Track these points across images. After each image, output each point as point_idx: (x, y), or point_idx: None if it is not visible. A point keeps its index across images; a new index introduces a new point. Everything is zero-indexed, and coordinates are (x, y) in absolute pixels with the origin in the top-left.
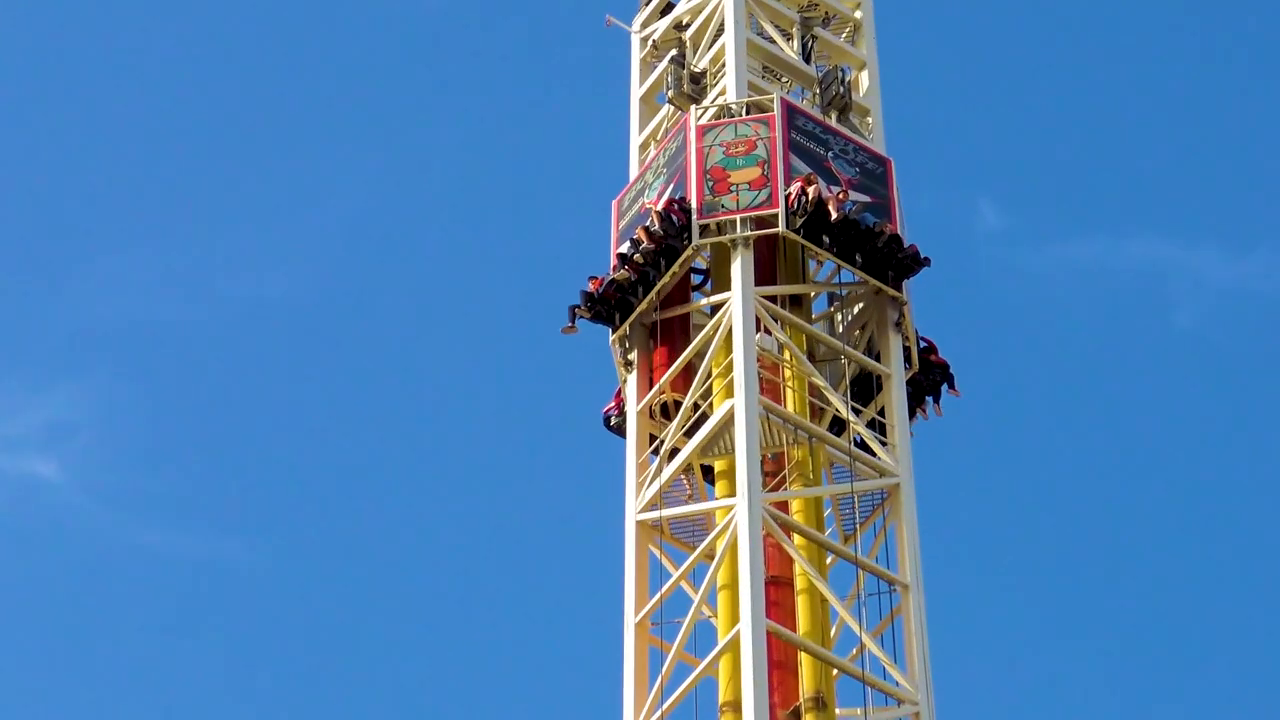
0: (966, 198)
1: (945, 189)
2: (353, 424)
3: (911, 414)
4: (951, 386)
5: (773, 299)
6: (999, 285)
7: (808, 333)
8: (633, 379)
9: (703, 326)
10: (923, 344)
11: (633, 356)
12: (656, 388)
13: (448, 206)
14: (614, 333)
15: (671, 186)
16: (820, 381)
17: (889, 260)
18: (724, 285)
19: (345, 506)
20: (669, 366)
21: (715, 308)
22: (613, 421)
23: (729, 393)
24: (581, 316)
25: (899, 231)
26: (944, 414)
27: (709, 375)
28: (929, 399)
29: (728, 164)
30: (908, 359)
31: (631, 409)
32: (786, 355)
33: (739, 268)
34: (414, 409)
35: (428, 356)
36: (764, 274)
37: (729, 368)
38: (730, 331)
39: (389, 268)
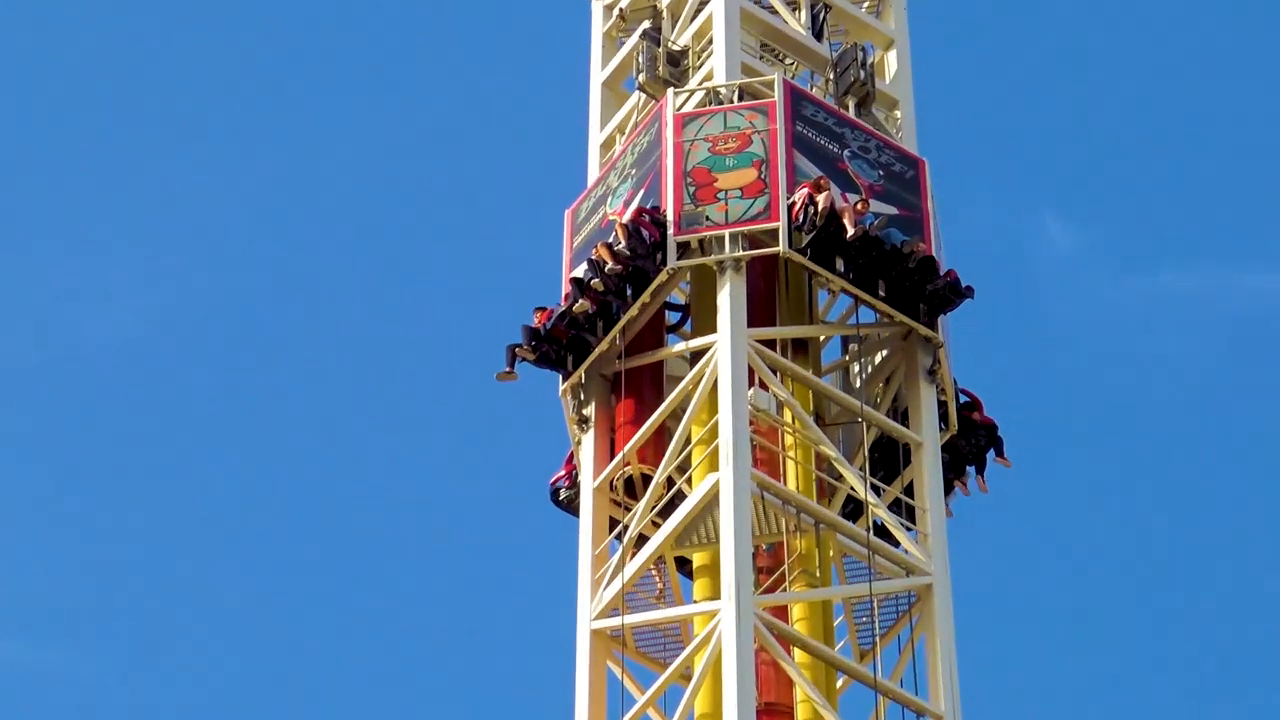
0: (1026, 212)
1: (998, 200)
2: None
3: (948, 490)
4: (1000, 454)
5: (771, 344)
6: (1065, 323)
7: (815, 388)
8: (589, 442)
9: (680, 378)
10: (963, 399)
11: (589, 413)
12: (620, 457)
13: (351, 217)
14: (565, 381)
15: (642, 193)
16: (831, 451)
17: (921, 290)
18: (708, 325)
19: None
20: (635, 429)
21: (696, 354)
22: (562, 496)
23: (713, 465)
24: (523, 359)
25: (934, 253)
26: (989, 490)
27: (687, 442)
28: (970, 470)
29: (714, 164)
30: (944, 419)
31: (586, 482)
32: (788, 417)
33: (727, 300)
34: (298, 475)
35: (319, 408)
36: (760, 310)
37: (713, 432)
38: (715, 385)
39: (269, 293)
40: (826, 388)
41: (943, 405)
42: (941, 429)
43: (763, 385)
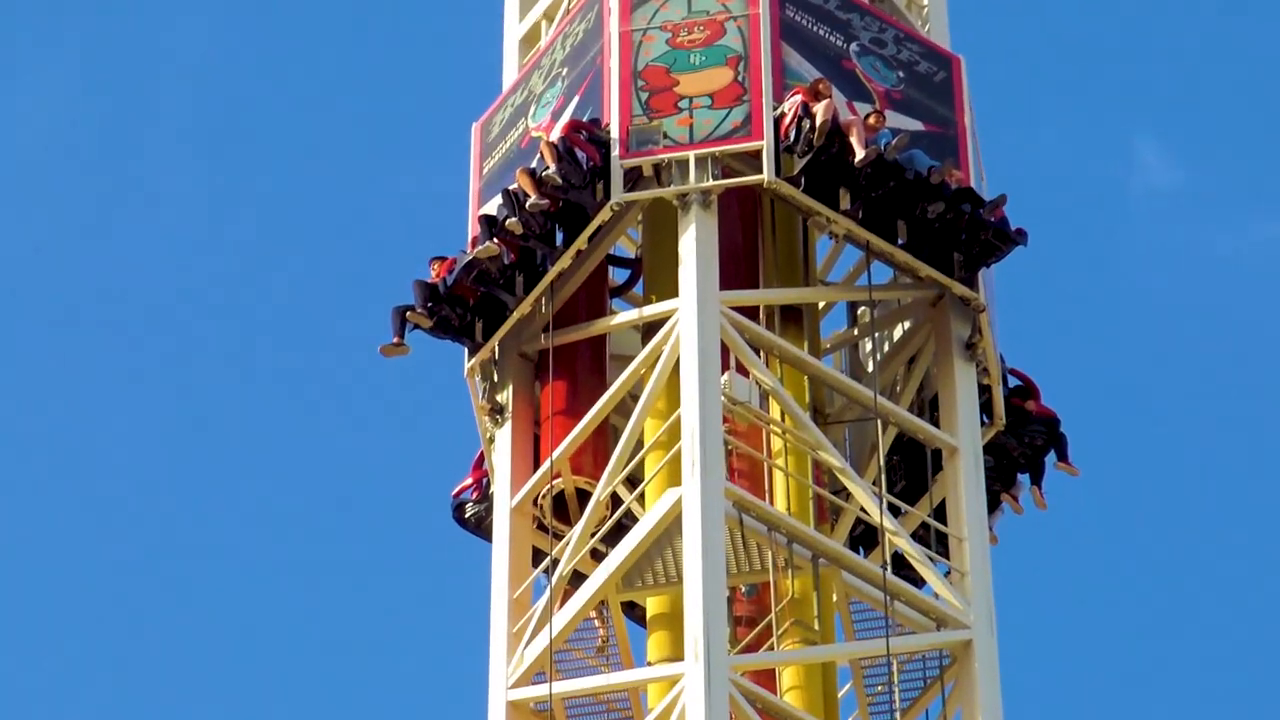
0: (1108, 132)
1: (1066, 115)
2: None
3: (992, 507)
4: (1063, 457)
5: (753, 312)
6: (1160, 279)
7: (813, 373)
8: (505, 441)
9: (628, 358)
10: (1013, 383)
11: (505, 400)
12: (547, 465)
13: (187, 127)
14: (472, 356)
15: (576, 101)
16: (834, 459)
17: (955, 235)
18: (666, 285)
19: None
20: (568, 424)
21: (651, 326)
22: (469, 513)
23: (673, 477)
24: (416, 326)
25: (973, 184)
26: (1049, 506)
27: (639, 445)
28: (1023, 479)
29: (675, 62)
30: (986, 411)
31: (502, 498)
32: (775, 412)
33: (692, 250)
34: (134, 471)
35: (140, 388)
36: (737, 266)
37: (674, 433)
38: (676, 368)
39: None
40: (828, 372)
41: (985, 392)
42: (984, 424)
43: (741, 369)
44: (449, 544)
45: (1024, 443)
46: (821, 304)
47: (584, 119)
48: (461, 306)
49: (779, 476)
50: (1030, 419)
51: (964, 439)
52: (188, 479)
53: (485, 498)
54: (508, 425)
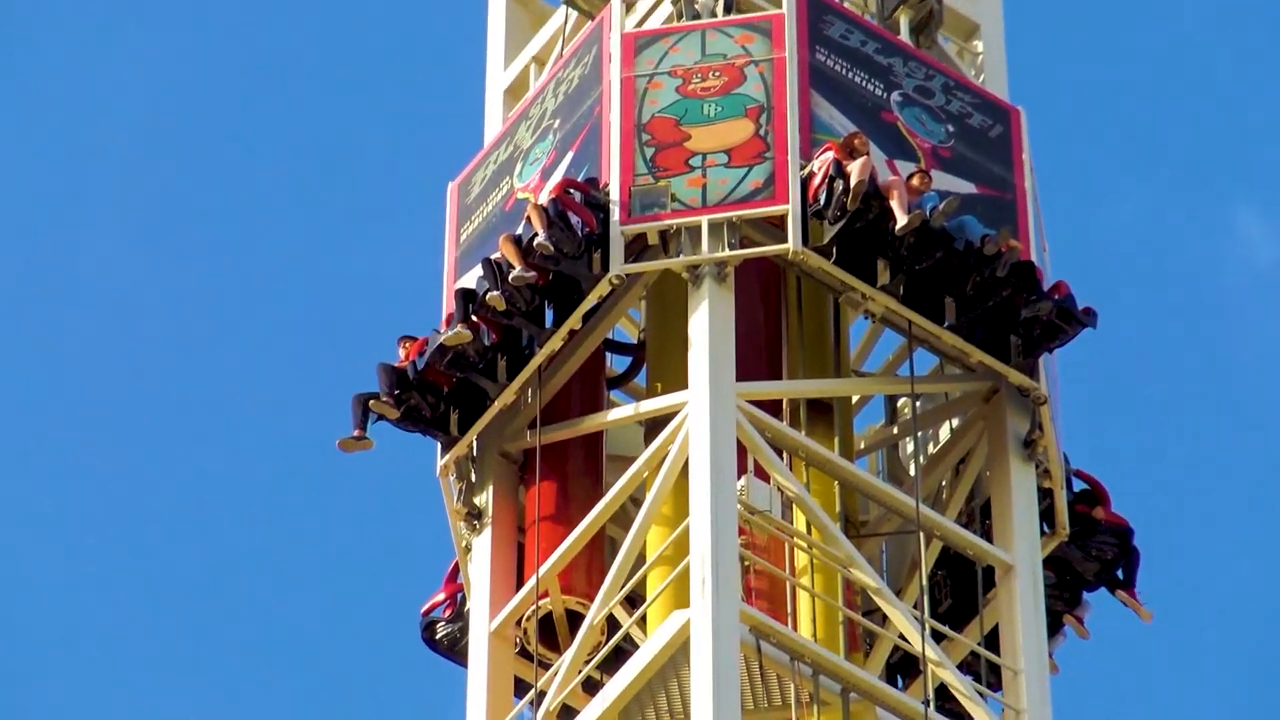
0: (1198, 201)
1: (1145, 179)
2: None
3: (1053, 630)
4: (1128, 583)
5: (774, 406)
6: (1260, 370)
7: (844, 478)
8: (483, 551)
9: (628, 459)
10: (1078, 486)
11: (483, 503)
12: (532, 582)
13: (135, 196)
14: (446, 452)
15: (570, 158)
16: (868, 577)
17: (1012, 317)
18: (673, 375)
19: None
20: (557, 534)
21: (657, 422)
22: (440, 634)
23: (680, 597)
24: (381, 417)
25: (1034, 257)
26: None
27: (640, 560)
28: (1087, 599)
29: (686, 113)
30: (1047, 520)
31: (479, 619)
32: (799, 523)
33: (704, 332)
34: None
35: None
36: (755, 352)
37: (682, 546)
38: (685, 471)
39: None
40: (862, 477)
41: (1046, 497)
42: (1044, 534)
43: (760, 473)
44: (417, 669)
45: (1091, 556)
46: (855, 397)
47: (579, 178)
48: (434, 394)
49: (804, 597)
50: (1099, 528)
51: (1021, 555)
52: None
53: (460, 616)
54: (487, 532)
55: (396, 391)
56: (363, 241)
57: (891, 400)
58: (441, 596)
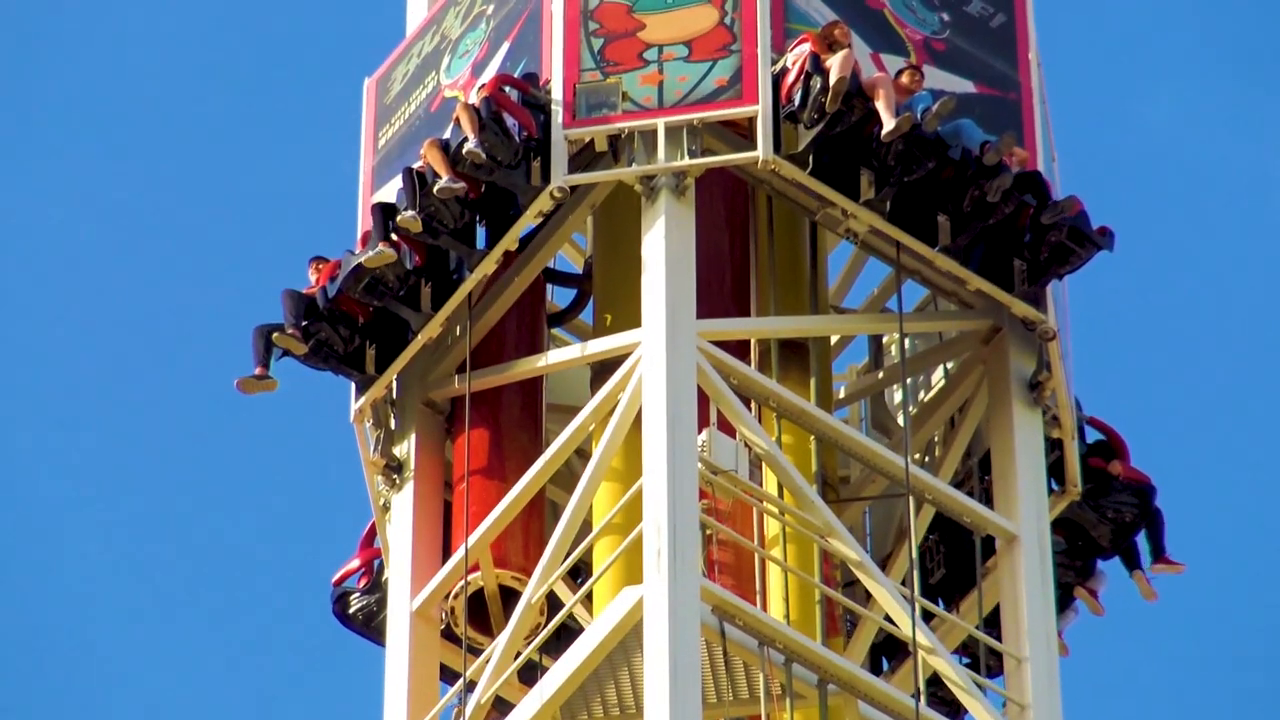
0: (1237, 101)
1: (1176, 76)
2: None
3: (1063, 605)
4: (1158, 548)
5: (741, 348)
6: None
7: (821, 431)
8: (403, 509)
9: (572, 409)
10: (1092, 437)
11: (404, 454)
12: (460, 552)
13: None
14: (362, 394)
15: (506, 50)
16: (849, 549)
17: (1015, 236)
18: (624, 310)
19: None
20: (490, 492)
21: (604, 366)
22: (354, 606)
23: (631, 571)
24: (286, 352)
25: (1041, 166)
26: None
27: (584, 527)
28: (1098, 568)
29: (642, 0)
30: (1056, 476)
31: (400, 594)
32: (769, 485)
33: (661, 259)
34: None
35: None
36: (719, 284)
37: (633, 512)
38: (637, 423)
39: None
40: (843, 431)
41: (1055, 449)
42: (1053, 492)
43: (724, 427)
44: (329, 646)
45: (1106, 518)
46: (835, 338)
47: (516, 74)
48: (348, 326)
49: (775, 572)
50: (1116, 485)
51: (1026, 522)
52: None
53: (377, 587)
54: (408, 489)
55: (304, 323)
56: (265, 147)
57: (876, 341)
58: (356, 564)
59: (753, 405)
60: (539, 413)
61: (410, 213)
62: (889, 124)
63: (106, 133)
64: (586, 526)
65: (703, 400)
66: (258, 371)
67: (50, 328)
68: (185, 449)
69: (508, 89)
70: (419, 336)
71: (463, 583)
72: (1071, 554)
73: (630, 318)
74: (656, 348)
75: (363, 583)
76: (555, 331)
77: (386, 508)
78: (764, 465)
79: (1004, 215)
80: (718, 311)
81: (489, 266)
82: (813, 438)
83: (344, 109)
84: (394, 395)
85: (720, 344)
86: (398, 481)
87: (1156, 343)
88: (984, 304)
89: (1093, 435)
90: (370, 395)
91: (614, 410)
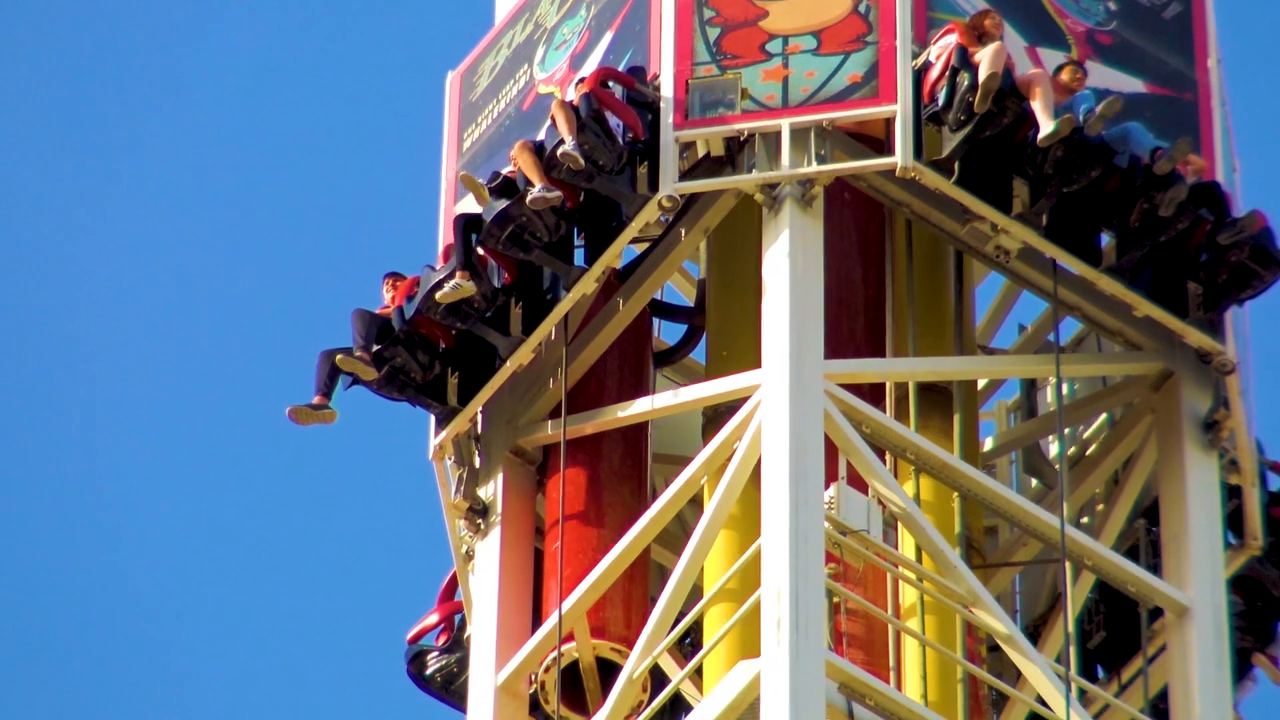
0: None
1: None
2: None
3: (1241, 673)
4: None
5: (873, 393)
6: None
7: (967, 488)
8: (488, 557)
9: (683, 459)
10: (1275, 484)
11: (489, 494)
12: (553, 620)
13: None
14: (443, 428)
15: (610, 40)
16: (996, 620)
17: (1188, 255)
18: (743, 354)
19: None
20: (588, 559)
21: (717, 412)
22: (432, 667)
23: (747, 643)
24: (355, 379)
25: (1220, 176)
26: None
27: (694, 593)
28: None
29: None
30: (1234, 528)
31: (484, 664)
32: (908, 546)
33: (783, 282)
34: None
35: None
36: (851, 323)
37: (751, 576)
38: (755, 476)
39: None
40: (990, 486)
41: (1234, 496)
42: (1230, 546)
43: (855, 481)
44: (404, 710)
45: None
46: (982, 382)
47: (620, 67)
48: (427, 351)
49: (911, 645)
50: None
51: (1200, 593)
52: None
53: (457, 645)
54: (494, 541)
55: (377, 346)
56: (339, 150)
57: (1030, 384)
58: (434, 619)
59: (888, 457)
60: (644, 463)
61: (520, 221)
62: (1046, 127)
63: (178, 146)
64: (697, 592)
65: (830, 451)
66: (316, 400)
67: (136, 335)
68: (247, 495)
69: (611, 84)
70: (508, 364)
71: (555, 653)
72: (1250, 616)
73: (748, 357)
74: (778, 391)
75: (442, 640)
76: (663, 372)
77: (469, 556)
78: (900, 525)
79: (1177, 232)
80: (849, 351)
81: (588, 285)
82: (956, 494)
83: (425, 106)
84: (479, 430)
85: (851, 388)
86: (482, 527)
87: None
88: (1154, 344)
89: (1276, 482)
90: (452, 430)
91: (729, 461)
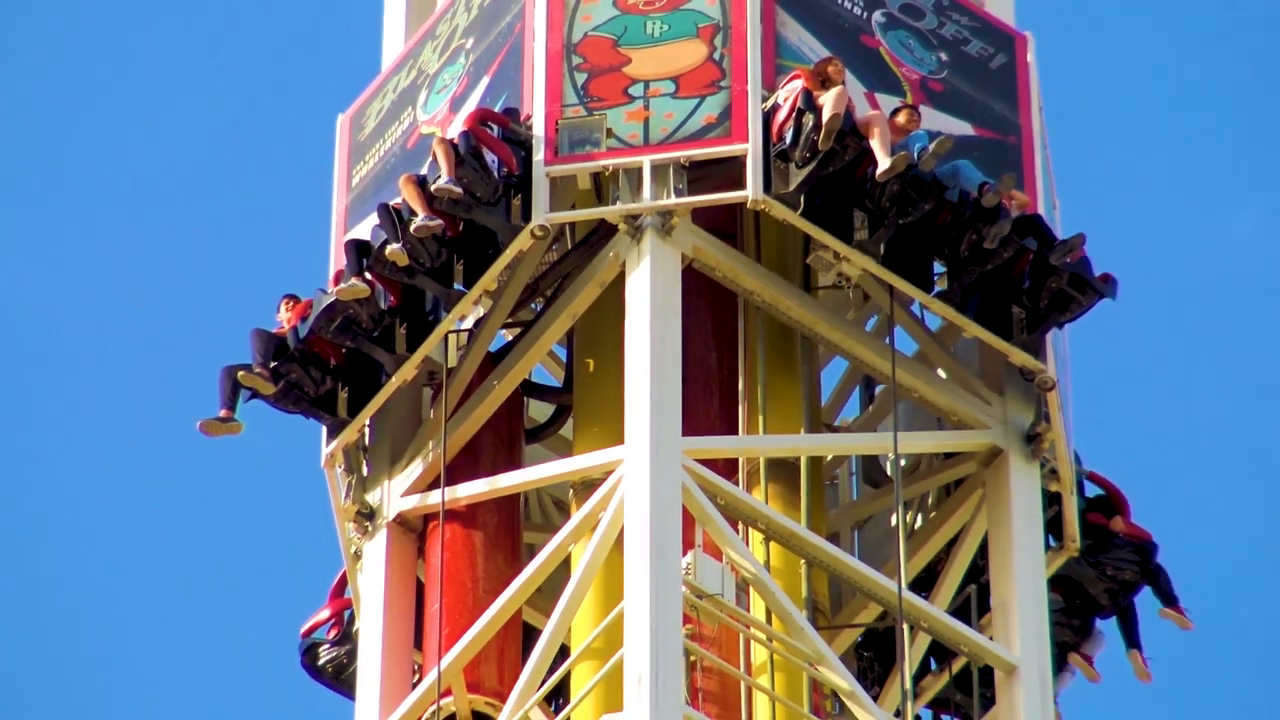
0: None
1: (1177, 122)
2: None
3: (1059, 666)
4: (1170, 601)
5: (726, 467)
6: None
7: (812, 556)
8: (374, 555)
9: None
10: (1092, 492)
11: (378, 500)
12: (433, 676)
13: None
14: (334, 438)
15: (486, 84)
16: (840, 678)
17: (1013, 282)
18: (607, 431)
19: None
20: (465, 620)
21: (586, 484)
22: (323, 659)
23: (611, 698)
24: (255, 394)
25: (1042, 209)
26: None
27: (562, 651)
28: (1096, 627)
29: (626, 31)
30: (1054, 532)
31: (367, 713)
32: (759, 609)
33: (643, 320)
34: None
35: None
36: (706, 402)
37: (615, 635)
38: (618, 545)
39: None
40: (834, 555)
41: (1054, 504)
42: (1050, 548)
43: (710, 548)
44: (297, 698)
45: (1106, 575)
46: (829, 457)
47: (496, 109)
48: (320, 368)
49: (762, 701)
50: (1116, 542)
51: (1026, 653)
52: None
53: (347, 638)
54: (381, 536)
55: (274, 363)
56: (236, 185)
57: (868, 393)
58: (326, 614)
59: (740, 526)
60: (517, 530)
61: (396, 245)
62: (884, 163)
63: (93, 166)
64: (565, 651)
65: (688, 521)
66: (223, 414)
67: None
68: (151, 501)
69: (488, 124)
70: (393, 379)
71: (434, 708)
72: (1069, 612)
73: (613, 433)
74: (640, 465)
75: (333, 633)
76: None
77: (358, 556)
78: (751, 589)
79: (1002, 260)
80: (705, 428)
81: (466, 307)
82: (803, 561)
83: (316, 146)
84: (365, 441)
85: (707, 462)
86: (370, 529)
87: (1161, 401)
88: (983, 423)
89: (1093, 490)
90: (342, 440)
91: (595, 529)
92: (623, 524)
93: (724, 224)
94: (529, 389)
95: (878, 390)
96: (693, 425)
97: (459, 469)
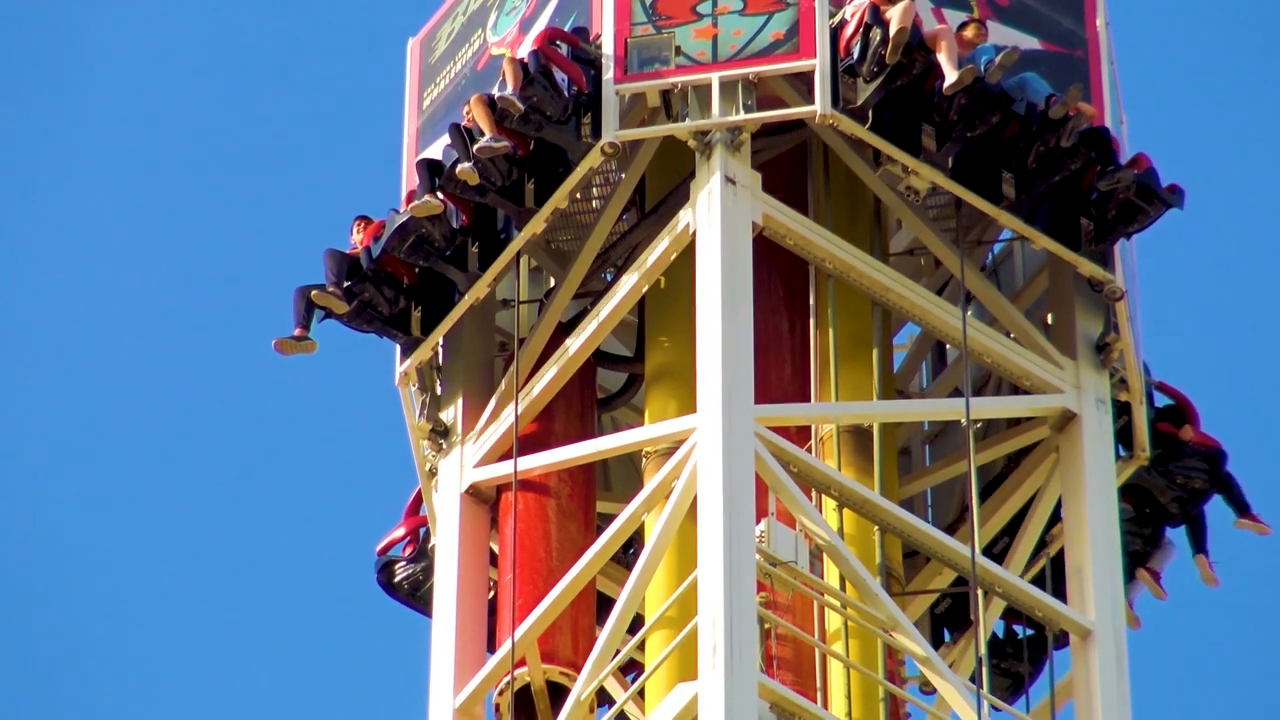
0: None
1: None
2: None
3: (1128, 578)
4: (1244, 511)
5: (799, 435)
6: None
7: (885, 523)
8: (450, 474)
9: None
10: (1162, 402)
11: (451, 418)
12: (506, 648)
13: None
14: (407, 356)
15: (555, 5)
16: (915, 644)
17: (1080, 193)
18: (681, 399)
19: None
20: (538, 591)
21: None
22: (399, 576)
23: (685, 667)
24: (328, 313)
25: (1109, 123)
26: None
27: (635, 622)
28: (1170, 539)
29: None
30: (1124, 441)
31: (441, 692)
32: (833, 576)
33: (714, 246)
34: None
35: None
36: (779, 370)
37: (689, 605)
38: (690, 514)
39: None
40: (907, 520)
41: (1123, 413)
42: (1120, 457)
43: (783, 516)
44: (374, 614)
45: (1175, 484)
46: (893, 344)
47: (565, 28)
48: (393, 287)
49: (836, 668)
50: (1185, 451)
51: (1101, 618)
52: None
53: (422, 555)
54: (455, 454)
55: (347, 283)
56: (308, 109)
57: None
58: (401, 532)
59: (814, 494)
60: (590, 500)
61: (467, 164)
62: (951, 76)
63: (143, 97)
64: (639, 620)
65: (761, 489)
66: (297, 333)
67: (99, 282)
68: (225, 415)
69: (557, 44)
70: (466, 298)
71: (509, 678)
72: (1140, 521)
73: (685, 402)
74: (713, 434)
75: (408, 551)
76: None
77: (433, 473)
78: (825, 556)
79: (1070, 172)
80: (777, 396)
81: (538, 225)
82: (876, 528)
83: (388, 71)
84: (439, 359)
85: (779, 430)
86: (444, 446)
87: (1230, 312)
88: (1055, 387)
89: (1162, 400)
90: (415, 358)
91: (668, 499)
92: (696, 492)
93: (794, 193)
94: (600, 358)
95: (949, 356)
96: (765, 393)
97: (531, 439)
